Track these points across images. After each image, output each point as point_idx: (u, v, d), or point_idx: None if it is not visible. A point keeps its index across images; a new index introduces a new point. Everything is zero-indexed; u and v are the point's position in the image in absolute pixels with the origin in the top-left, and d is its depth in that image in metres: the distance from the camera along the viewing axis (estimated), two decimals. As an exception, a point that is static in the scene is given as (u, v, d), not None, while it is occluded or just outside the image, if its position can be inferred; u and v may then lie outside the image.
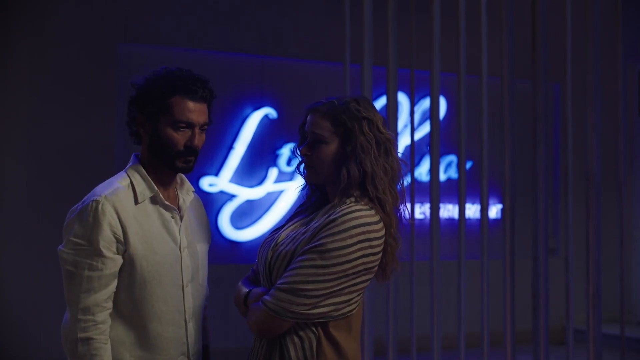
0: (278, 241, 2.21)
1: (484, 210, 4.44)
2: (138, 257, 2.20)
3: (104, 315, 2.17)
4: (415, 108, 6.95)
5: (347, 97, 2.23)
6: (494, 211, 7.49)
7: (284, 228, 2.28)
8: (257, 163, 6.65)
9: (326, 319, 2.10)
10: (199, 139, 2.26)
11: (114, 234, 2.18)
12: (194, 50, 6.39)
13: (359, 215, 2.09)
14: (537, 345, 4.29)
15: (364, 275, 2.11)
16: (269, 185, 6.66)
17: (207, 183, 6.42)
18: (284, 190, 6.68)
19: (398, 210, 2.19)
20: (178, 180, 2.38)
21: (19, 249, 5.66)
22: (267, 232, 6.60)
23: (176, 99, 2.22)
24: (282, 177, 6.67)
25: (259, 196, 6.65)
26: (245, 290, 2.26)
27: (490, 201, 7.31)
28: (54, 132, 5.81)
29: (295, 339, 2.11)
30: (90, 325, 2.15)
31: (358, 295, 2.14)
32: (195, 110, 2.24)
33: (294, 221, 2.29)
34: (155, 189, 2.27)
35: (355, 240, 2.06)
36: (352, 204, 2.11)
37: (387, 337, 4.49)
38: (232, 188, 6.54)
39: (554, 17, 4.65)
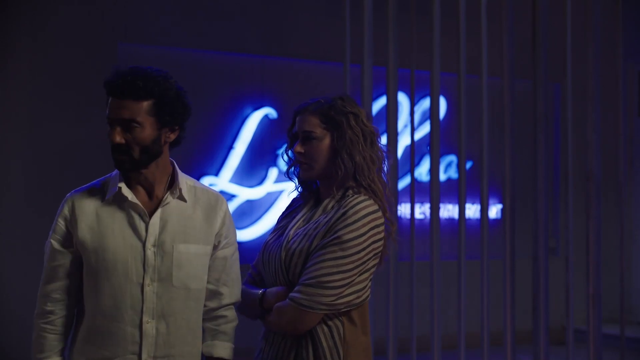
0: (289, 239, 2.29)
1: (484, 210, 4.44)
2: (87, 251, 2.25)
3: (53, 306, 2.26)
4: (415, 108, 6.94)
5: (332, 96, 2.37)
6: (494, 211, 7.49)
7: (289, 227, 2.34)
8: (257, 163, 6.65)
9: (351, 307, 2.23)
10: (119, 135, 2.22)
11: (67, 227, 2.28)
12: (194, 50, 6.39)
13: (366, 205, 2.23)
14: (537, 345, 4.29)
15: (374, 259, 2.26)
16: (269, 185, 6.66)
17: (207, 183, 6.42)
18: (284, 190, 6.68)
19: (387, 196, 2.33)
20: (174, 176, 2.35)
21: (18, 249, 5.66)
22: (268, 231, 6.61)
23: (109, 96, 2.27)
24: (282, 177, 6.66)
25: (259, 196, 6.65)
26: (257, 292, 2.32)
27: (490, 201, 7.31)
28: (54, 132, 5.81)
29: (325, 328, 2.23)
30: (39, 313, 2.28)
31: (370, 280, 2.28)
32: (114, 107, 2.23)
33: (294, 220, 2.36)
34: (117, 187, 2.28)
35: (367, 228, 2.21)
36: (357, 196, 2.26)
37: (387, 337, 4.49)
38: (232, 188, 6.54)
39: (554, 17, 4.65)
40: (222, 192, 6.49)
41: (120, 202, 2.29)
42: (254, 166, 6.64)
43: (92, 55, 5.95)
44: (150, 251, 2.27)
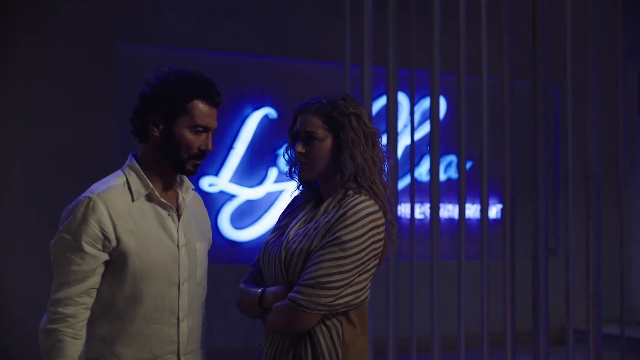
0: (289, 239, 2.29)
1: (484, 210, 4.44)
2: (131, 254, 2.21)
3: (74, 309, 2.18)
4: (415, 108, 6.95)
5: (333, 96, 2.36)
6: (494, 211, 7.49)
7: (290, 227, 2.34)
8: (257, 163, 6.65)
9: (350, 308, 2.23)
10: (211, 144, 2.32)
11: (102, 231, 2.19)
12: (194, 50, 6.39)
13: (366, 205, 2.23)
14: (537, 345, 4.29)
15: (374, 260, 2.25)
16: (269, 185, 6.66)
17: (207, 183, 6.42)
18: (284, 190, 6.68)
19: (388, 198, 2.33)
20: (178, 179, 2.39)
21: (18, 249, 5.66)
22: (268, 231, 6.61)
23: (196, 102, 2.26)
24: (282, 177, 6.66)
25: (259, 196, 6.65)
26: (256, 291, 2.32)
27: (490, 201, 7.31)
28: (54, 132, 5.81)
29: (324, 328, 2.23)
30: (58, 318, 2.18)
31: (370, 280, 2.28)
32: (211, 115, 2.29)
33: (295, 220, 2.36)
34: (151, 187, 2.28)
35: (366, 229, 2.20)
36: (357, 197, 2.25)
37: (387, 337, 4.49)
38: (232, 188, 6.54)
39: (554, 17, 4.65)
40: (222, 192, 6.50)
41: (148, 202, 2.29)
42: (254, 166, 6.64)
43: (92, 55, 5.95)
44: (182, 251, 2.31)
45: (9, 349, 5.54)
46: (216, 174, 6.49)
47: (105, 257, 2.20)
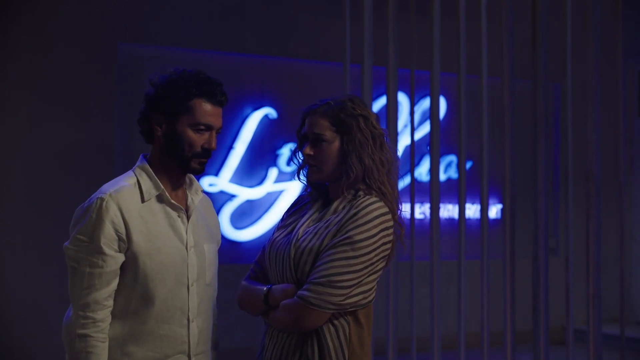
0: (298, 237, 2.28)
1: (484, 210, 4.44)
2: (142, 255, 2.22)
3: (103, 314, 2.19)
4: (415, 108, 6.95)
5: (341, 97, 2.36)
6: (494, 211, 7.49)
7: (299, 225, 2.34)
8: (257, 163, 6.65)
9: (357, 308, 2.23)
10: (215, 141, 2.32)
11: (116, 231, 2.20)
12: (194, 50, 6.39)
13: (377, 206, 2.24)
14: (537, 345, 4.29)
15: (382, 262, 2.25)
16: (269, 185, 6.66)
17: (207, 183, 6.42)
18: (284, 190, 6.68)
19: (397, 199, 2.32)
20: (187, 180, 2.40)
21: (18, 249, 5.66)
22: (268, 231, 6.62)
23: (198, 101, 2.27)
24: (282, 177, 6.67)
25: (259, 196, 6.65)
26: (262, 288, 2.32)
27: (490, 201, 7.32)
28: (54, 132, 5.81)
29: (331, 327, 2.23)
30: (89, 323, 2.18)
31: (376, 282, 2.28)
32: (214, 114, 2.30)
33: (304, 218, 2.36)
34: (162, 188, 2.29)
35: (378, 229, 2.21)
36: (368, 197, 2.26)
37: (387, 337, 4.49)
38: (232, 188, 6.54)
39: (554, 17, 4.65)
40: (222, 192, 6.49)
41: (159, 203, 2.30)
42: (254, 166, 6.64)
43: (92, 55, 5.95)
44: (192, 252, 2.32)
45: (9, 349, 5.54)
46: (216, 174, 6.49)
47: (122, 258, 2.22)
